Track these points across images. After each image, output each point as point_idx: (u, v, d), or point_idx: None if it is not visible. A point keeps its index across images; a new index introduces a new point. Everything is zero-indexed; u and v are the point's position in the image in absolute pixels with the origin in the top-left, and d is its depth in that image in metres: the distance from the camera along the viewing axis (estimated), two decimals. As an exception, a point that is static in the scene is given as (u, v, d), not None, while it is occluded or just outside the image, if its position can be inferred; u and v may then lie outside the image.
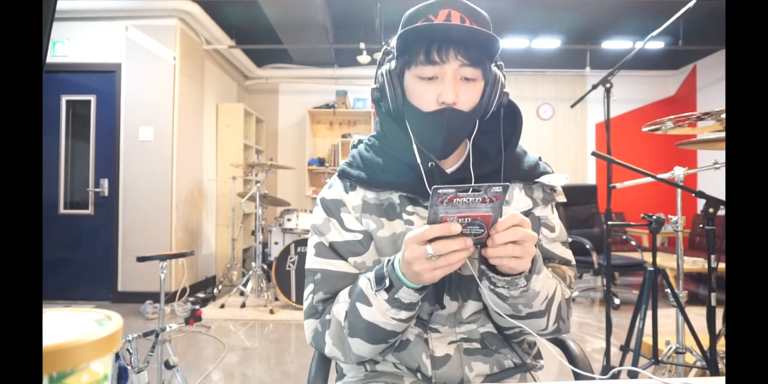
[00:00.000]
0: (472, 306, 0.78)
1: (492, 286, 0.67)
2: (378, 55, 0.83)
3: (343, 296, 0.75)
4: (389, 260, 0.68)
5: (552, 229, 0.83)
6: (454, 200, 0.56)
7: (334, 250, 0.79)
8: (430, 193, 0.55)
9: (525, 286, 0.65)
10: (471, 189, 0.56)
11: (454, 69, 0.71)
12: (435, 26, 0.69)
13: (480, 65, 0.72)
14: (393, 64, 0.76)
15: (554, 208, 0.85)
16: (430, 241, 0.59)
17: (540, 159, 0.85)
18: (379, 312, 0.69)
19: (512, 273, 0.64)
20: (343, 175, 0.83)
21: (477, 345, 0.79)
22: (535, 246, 0.64)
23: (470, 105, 0.73)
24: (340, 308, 0.74)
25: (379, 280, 0.68)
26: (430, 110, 0.72)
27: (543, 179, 0.81)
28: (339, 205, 0.81)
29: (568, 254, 0.85)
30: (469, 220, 0.58)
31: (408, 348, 0.78)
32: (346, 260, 0.79)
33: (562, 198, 0.85)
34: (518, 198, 0.81)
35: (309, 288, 0.80)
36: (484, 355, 0.79)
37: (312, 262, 0.81)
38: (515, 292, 0.66)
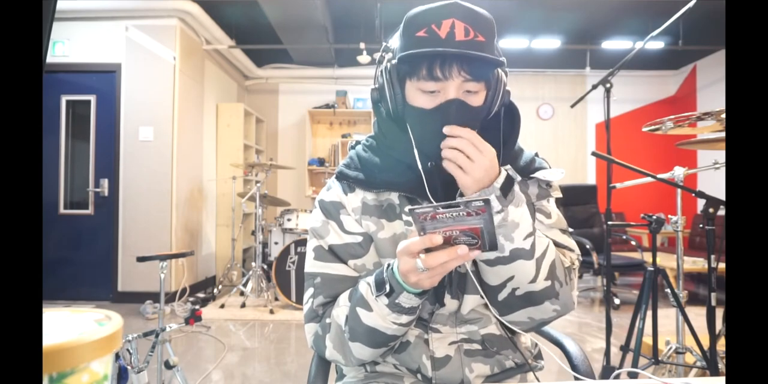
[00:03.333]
0: (470, 300, 0.77)
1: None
2: (378, 55, 0.80)
3: (343, 300, 0.74)
4: (389, 265, 0.68)
5: (548, 216, 0.81)
6: (437, 216, 0.57)
7: (334, 253, 0.79)
8: (409, 214, 0.57)
9: (501, 211, 0.65)
10: (449, 205, 0.56)
11: (457, 84, 0.69)
12: (442, 44, 0.66)
13: (483, 79, 0.70)
14: (393, 66, 0.74)
15: (549, 200, 0.83)
16: (427, 250, 0.60)
17: (537, 155, 0.83)
18: (379, 317, 0.69)
19: (463, 183, 0.66)
20: (341, 177, 0.82)
21: (477, 346, 0.78)
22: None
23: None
24: (340, 312, 0.74)
25: (379, 285, 0.68)
26: (433, 106, 0.70)
27: (538, 175, 0.79)
28: (338, 207, 0.80)
29: (569, 242, 0.82)
30: (458, 232, 0.58)
31: (408, 349, 0.78)
32: (345, 263, 0.78)
33: (557, 194, 0.83)
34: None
35: (309, 292, 0.79)
36: (485, 356, 0.78)
37: (311, 266, 0.80)
38: (495, 221, 0.64)
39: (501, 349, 0.80)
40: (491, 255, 0.69)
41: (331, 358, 0.77)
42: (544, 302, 0.72)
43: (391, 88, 0.73)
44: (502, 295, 0.73)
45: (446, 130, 0.67)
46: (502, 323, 0.80)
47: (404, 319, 0.69)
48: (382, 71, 0.75)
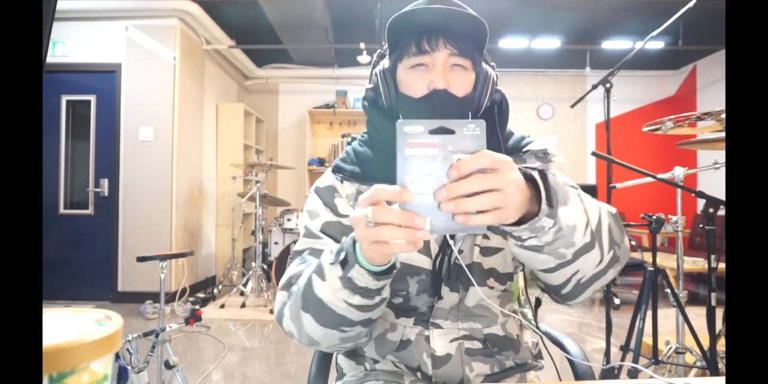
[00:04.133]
0: (475, 294, 0.76)
1: (519, 242, 0.57)
2: (375, 56, 0.82)
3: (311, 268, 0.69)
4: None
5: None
6: (428, 146, 0.47)
7: (325, 232, 0.78)
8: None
9: (554, 225, 0.54)
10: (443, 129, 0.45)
11: (444, 57, 0.71)
12: (424, 10, 0.69)
13: (469, 55, 0.73)
14: (386, 63, 0.77)
15: (550, 167, 0.79)
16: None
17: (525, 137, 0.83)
18: (330, 290, 0.61)
19: (506, 223, 0.51)
20: (336, 170, 0.83)
21: (479, 344, 0.78)
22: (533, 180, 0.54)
23: (462, 92, 0.73)
24: (304, 278, 0.68)
25: (338, 252, 0.60)
26: (422, 95, 0.72)
27: (531, 146, 0.79)
28: (332, 191, 0.81)
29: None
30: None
31: (409, 347, 0.78)
32: (338, 241, 0.76)
33: (559, 158, 0.80)
34: None
35: (292, 264, 0.77)
36: (485, 355, 0.78)
37: (300, 243, 0.79)
38: (548, 238, 0.54)
39: (503, 349, 0.79)
40: (551, 262, 0.59)
41: (287, 330, 0.71)
42: (608, 271, 0.66)
43: (384, 83, 0.76)
44: (567, 289, 0.67)
45: (452, 173, 0.46)
46: (519, 325, 0.80)
47: (357, 300, 0.60)
48: (376, 73, 0.78)
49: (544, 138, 0.78)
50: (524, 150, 0.79)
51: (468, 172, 0.45)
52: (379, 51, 0.81)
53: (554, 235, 0.55)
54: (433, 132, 0.44)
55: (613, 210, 0.68)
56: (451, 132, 0.44)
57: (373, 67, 0.80)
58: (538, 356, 0.87)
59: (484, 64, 0.77)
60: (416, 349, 0.77)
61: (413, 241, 0.47)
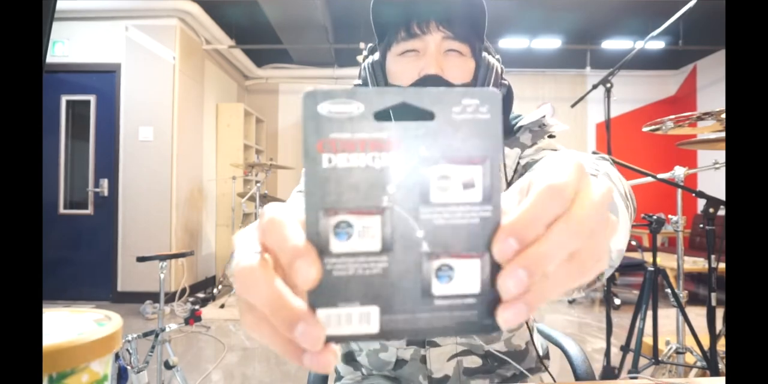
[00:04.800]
0: None
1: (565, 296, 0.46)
2: (364, 54, 0.79)
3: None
4: None
5: (555, 151, 0.71)
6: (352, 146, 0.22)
7: None
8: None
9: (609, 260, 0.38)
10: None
11: (436, 41, 0.64)
12: None
13: (466, 40, 0.65)
14: (376, 55, 0.71)
15: (545, 138, 0.72)
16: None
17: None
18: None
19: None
20: None
21: (478, 361, 0.73)
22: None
23: (459, 80, 0.65)
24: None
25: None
26: (410, 83, 0.65)
27: (523, 122, 0.72)
28: None
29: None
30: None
31: (404, 367, 0.74)
32: None
33: (560, 126, 0.72)
34: (507, 156, 0.71)
35: None
36: (485, 372, 0.74)
37: None
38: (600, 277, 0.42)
39: (504, 363, 0.75)
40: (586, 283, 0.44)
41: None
42: None
43: (373, 76, 0.70)
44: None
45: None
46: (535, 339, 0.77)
47: None
48: (365, 66, 0.72)
49: (533, 112, 0.72)
50: (517, 127, 0.73)
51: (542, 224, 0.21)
52: (370, 45, 0.75)
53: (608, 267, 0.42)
54: (382, 117, 0.20)
55: (624, 182, 0.55)
56: (428, 116, 0.20)
57: (363, 62, 0.75)
58: (544, 358, 0.83)
59: (486, 54, 0.69)
60: (412, 370, 0.73)
61: (294, 358, 0.22)
